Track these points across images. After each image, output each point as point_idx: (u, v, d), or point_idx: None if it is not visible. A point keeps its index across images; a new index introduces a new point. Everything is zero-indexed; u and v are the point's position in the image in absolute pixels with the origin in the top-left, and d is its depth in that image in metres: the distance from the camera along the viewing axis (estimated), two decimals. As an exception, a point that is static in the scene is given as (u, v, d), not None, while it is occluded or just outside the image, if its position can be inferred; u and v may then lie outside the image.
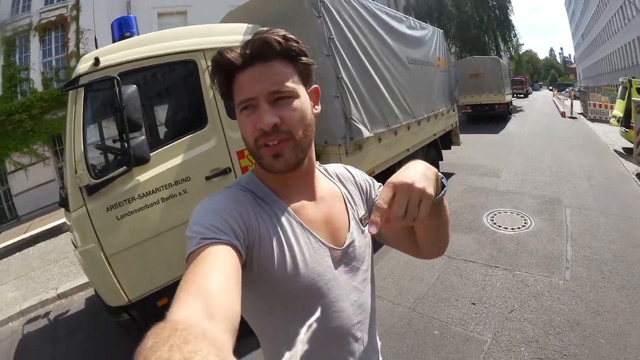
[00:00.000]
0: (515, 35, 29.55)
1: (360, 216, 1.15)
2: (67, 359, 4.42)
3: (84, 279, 5.93)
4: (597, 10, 47.23)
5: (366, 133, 4.65)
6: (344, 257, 1.07)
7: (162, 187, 3.19)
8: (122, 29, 3.64)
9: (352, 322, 1.05)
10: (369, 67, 4.99)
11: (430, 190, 0.81)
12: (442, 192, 0.97)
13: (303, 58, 0.97)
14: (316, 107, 1.06)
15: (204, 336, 0.52)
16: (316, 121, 1.04)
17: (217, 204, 0.91)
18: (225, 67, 0.93)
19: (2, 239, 10.57)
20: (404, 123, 5.88)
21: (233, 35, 3.81)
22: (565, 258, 4.72)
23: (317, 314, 0.83)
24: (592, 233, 5.34)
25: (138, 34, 3.58)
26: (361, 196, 1.21)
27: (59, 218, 9.44)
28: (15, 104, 13.95)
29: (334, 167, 1.24)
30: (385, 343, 3.60)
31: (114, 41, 3.50)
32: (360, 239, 1.12)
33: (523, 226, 5.85)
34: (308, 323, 0.80)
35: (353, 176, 1.24)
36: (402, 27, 6.31)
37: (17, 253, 9.24)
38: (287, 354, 0.51)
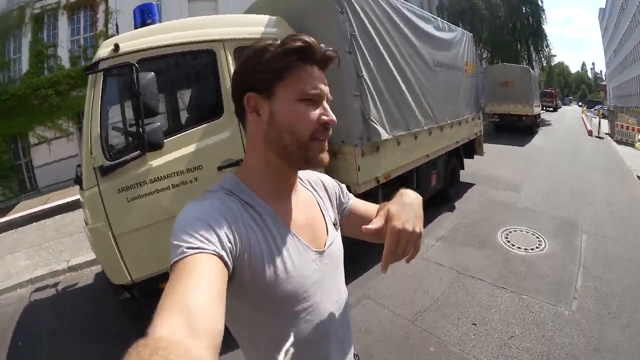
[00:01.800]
0: (547, 46, 29.02)
1: (332, 220, 1.20)
2: (70, 330, 4.50)
3: (96, 255, 6.04)
4: (630, 26, 45.51)
5: (384, 135, 4.60)
6: (326, 259, 1.08)
7: (173, 173, 3.25)
8: (144, 15, 3.69)
9: (333, 321, 1.08)
10: (391, 66, 4.90)
11: (422, 228, 1.01)
12: None
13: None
14: None
15: (186, 355, 0.52)
16: None
17: (204, 211, 0.89)
18: (307, 53, 0.96)
19: (20, 208, 10.87)
20: (425, 127, 5.77)
21: (254, 26, 3.82)
22: (575, 287, 4.57)
23: (288, 341, 0.94)
24: (605, 263, 5.16)
25: (160, 21, 3.62)
26: (330, 201, 1.26)
27: (77, 193, 9.57)
28: (41, 79, 14.25)
29: (306, 174, 1.25)
30: (379, 353, 3.58)
31: (135, 27, 3.57)
32: (336, 241, 1.17)
33: (537, 247, 5.70)
34: (285, 349, 0.90)
35: (322, 182, 1.28)
36: (429, 28, 6.18)
37: (34, 223, 9.45)
38: None
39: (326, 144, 1.02)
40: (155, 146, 3.10)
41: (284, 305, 0.96)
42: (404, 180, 5.70)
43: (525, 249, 5.63)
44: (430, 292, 4.57)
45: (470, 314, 4.08)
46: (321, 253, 1.07)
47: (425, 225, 3.91)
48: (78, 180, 3.26)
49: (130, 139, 3.24)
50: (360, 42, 4.30)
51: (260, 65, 0.95)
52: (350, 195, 1.36)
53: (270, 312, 0.96)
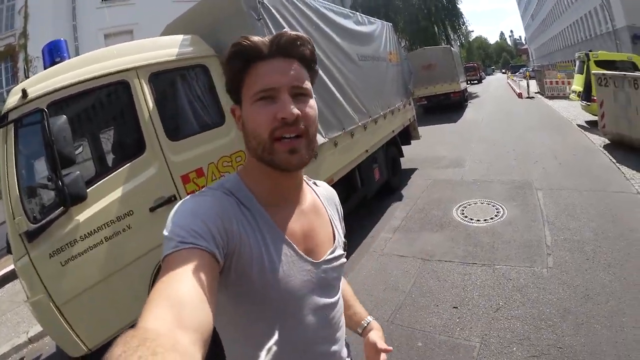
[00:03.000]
0: (464, 23, 30.11)
1: (342, 239, 1.20)
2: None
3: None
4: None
5: (320, 139, 4.42)
6: (322, 272, 1.05)
7: (103, 225, 2.94)
8: (53, 54, 3.41)
9: (320, 336, 1.06)
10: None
11: None
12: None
13: (315, 65, 1.04)
14: None
15: (174, 348, 0.52)
16: None
17: (199, 207, 0.88)
18: (249, 53, 0.91)
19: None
20: (359, 123, 5.70)
21: (168, 48, 3.59)
22: (545, 244, 4.62)
23: (276, 337, 0.95)
24: (569, 213, 5.28)
25: (69, 58, 3.31)
26: (338, 218, 1.25)
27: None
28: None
29: (323, 187, 1.27)
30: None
31: (45, 68, 3.25)
32: (339, 259, 1.13)
33: (496, 216, 5.74)
34: (267, 347, 0.93)
35: (335, 204, 1.28)
36: (349, 24, 6.13)
37: (-15, 296, 8.77)
38: None
39: (300, 141, 0.93)
40: (78, 198, 2.76)
41: (265, 309, 0.94)
42: (348, 180, 5.62)
43: (485, 220, 5.68)
44: (400, 286, 4.41)
45: (447, 299, 3.99)
46: (317, 264, 1.04)
47: (377, 220, 4.56)
48: (9, 249, 2.89)
49: (52, 194, 2.90)
50: None
51: (226, 77, 0.96)
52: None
53: (253, 317, 0.95)
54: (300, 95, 0.94)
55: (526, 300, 3.67)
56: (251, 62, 0.92)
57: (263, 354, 0.93)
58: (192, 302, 0.66)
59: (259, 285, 0.91)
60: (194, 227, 0.80)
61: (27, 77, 14.18)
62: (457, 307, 3.81)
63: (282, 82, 0.91)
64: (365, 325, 1.36)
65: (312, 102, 0.98)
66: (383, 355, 1.23)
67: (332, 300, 1.10)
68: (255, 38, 0.91)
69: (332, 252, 1.10)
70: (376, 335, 1.29)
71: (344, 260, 1.17)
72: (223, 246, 0.83)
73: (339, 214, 1.27)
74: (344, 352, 1.18)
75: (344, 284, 1.35)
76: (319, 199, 1.18)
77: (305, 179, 1.18)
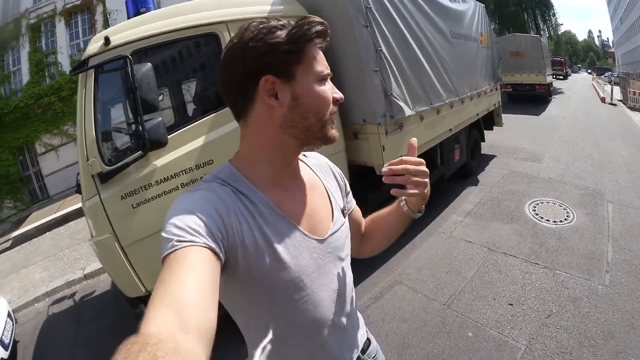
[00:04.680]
0: (554, 15, 28.60)
1: (341, 207, 1.19)
2: (91, 342, 4.41)
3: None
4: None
5: (408, 111, 4.38)
6: (327, 247, 1.07)
7: (181, 172, 3.00)
8: (137, 4, 3.47)
9: (332, 309, 1.07)
10: (410, 39, 4.64)
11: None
12: (421, 213, 1.24)
13: None
14: None
15: (176, 351, 0.53)
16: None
17: (195, 203, 0.87)
18: (325, 36, 0.96)
19: (33, 219, 10.84)
20: (447, 101, 5.55)
21: (260, 5, 3.58)
22: (606, 260, 4.38)
23: (283, 329, 0.98)
24: (633, 234, 4.96)
25: (155, 9, 3.36)
26: (340, 189, 1.25)
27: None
28: (43, 87, 14.24)
29: (312, 159, 1.24)
30: (416, 342, 3.43)
31: (128, 18, 3.31)
32: (341, 228, 1.15)
33: (565, 220, 5.50)
34: (262, 345, 0.96)
35: (331, 168, 1.28)
36: (444, 0, 5.91)
37: (48, 233, 9.45)
38: None
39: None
40: (158, 144, 2.82)
41: (279, 294, 0.96)
42: (428, 157, 5.52)
43: (554, 222, 5.45)
44: (463, 272, 4.41)
45: (505, 294, 3.93)
46: (322, 241, 1.06)
47: (450, 201, 4.58)
48: (79, 189, 3.00)
49: (130, 139, 3.00)
50: (377, 14, 4.03)
51: (281, 47, 0.90)
52: (351, 196, 1.35)
53: (265, 302, 0.96)
54: None
55: (577, 313, 3.53)
56: (309, 43, 0.93)
57: (264, 341, 0.97)
58: (193, 302, 0.66)
59: (268, 271, 0.92)
60: (190, 224, 0.79)
61: (105, 29, 14.77)
62: (512, 305, 3.74)
63: (329, 70, 0.98)
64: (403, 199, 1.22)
65: None
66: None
67: (340, 273, 1.11)
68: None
69: (334, 225, 1.11)
70: None
71: (346, 230, 1.18)
72: (222, 240, 0.83)
73: (339, 182, 1.27)
74: (356, 324, 1.22)
75: (367, 223, 1.40)
76: (312, 171, 1.18)
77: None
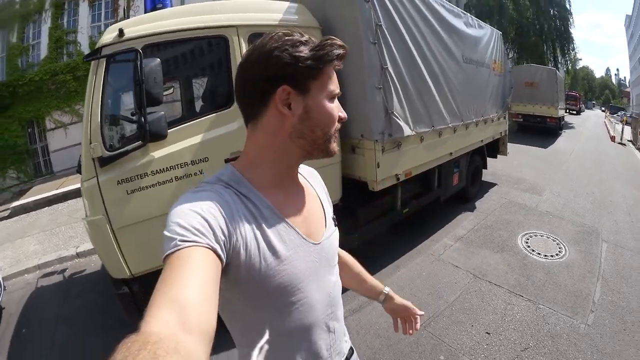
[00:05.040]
0: (573, 49, 28.45)
1: (331, 214, 1.24)
2: (74, 317, 4.50)
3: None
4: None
5: (407, 131, 4.43)
6: (322, 252, 1.10)
7: (177, 165, 3.10)
8: (155, 0, 3.54)
9: (326, 313, 1.11)
10: (418, 60, 4.71)
11: None
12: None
13: None
14: None
15: (176, 350, 0.53)
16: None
17: (199, 203, 0.87)
18: (342, 59, 1.01)
19: (34, 192, 10.91)
20: (450, 125, 5.60)
21: (273, 13, 3.66)
22: (592, 299, 4.38)
23: (279, 332, 0.99)
24: (624, 276, 4.96)
25: (171, 6, 3.47)
26: (327, 196, 1.30)
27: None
28: (60, 65, 14.37)
29: (302, 168, 1.25)
30: (388, 359, 3.46)
31: (145, 12, 3.42)
32: (333, 235, 1.19)
33: (557, 254, 5.51)
34: (259, 346, 0.96)
35: (316, 175, 1.32)
36: (459, 23, 5.97)
37: (47, 207, 9.50)
38: None
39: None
40: (158, 136, 2.93)
41: (278, 296, 0.97)
42: (425, 178, 5.57)
43: (545, 256, 5.46)
44: (445, 295, 4.42)
45: (484, 322, 3.93)
46: (318, 245, 1.08)
47: (444, 224, 4.71)
48: (79, 170, 3.12)
49: (132, 128, 3.11)
50: (386, 32, 4.11)
51: (304, 62, 0.94)
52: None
53: (263, 304, 0.97)
54: None
55: (555, 349, 3.54)
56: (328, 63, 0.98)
57: (261, 342, 0.97)
58: (194, 302, 0.66)
59: (269, 273, 0.93)
60: (193, 224, 0.80)
61: (126, 15, 14.86)
62: (489, 333, 3.75)
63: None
64: (387, 292, 1.54)
65: None
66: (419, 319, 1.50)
67: (333, 277, 1.17)
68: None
69: (327, 230, 1.16)
70: (404, 300, 1.54)
71: (337, 231, 1.24)
72: (224, 241, 0.84)
73: (324, 190, 1.31)
74: (342, 331, 1.24)
75: (346, 256, 1.48)
76: (306, 180, 1.22)
77: None
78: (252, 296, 0.95)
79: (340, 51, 0.97)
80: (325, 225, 1.16)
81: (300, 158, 1.07)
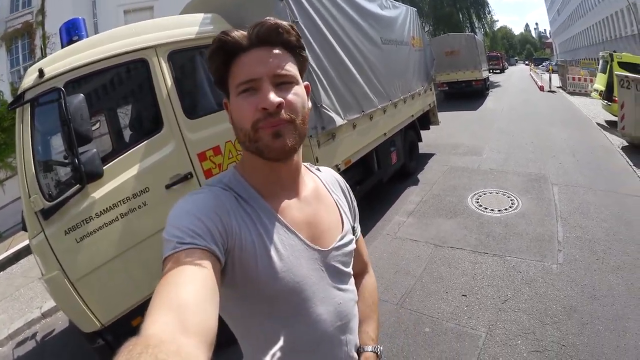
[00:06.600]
0: (489, 12, 29.63)
1: (351, 223, 1.20)
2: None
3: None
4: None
5: (339, 121, 4.48)
6: (330, 260, 1.06)
7: (119, 202, 2.96)
8: (70, 33, 3.40)
9: (335, 325, 1.05)
10: (339, 50, 4.77)
11: None
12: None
13: (303, 52, 1.00)
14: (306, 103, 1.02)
15: (177, 353, 0.52)
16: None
17: (196, 205, 0.88)
18: (229, 47, 0.91)
19: (-17, 259, 10.29)
20: (379, 106, 5.73)
21: (188, 27, 3.58)
22: (557, 240, 4.59)
23: (288, 330, 0.96)
24: (582, 211, 5.22)
25: (87, 37, 3.34)
26: (349, 206, 1.24)
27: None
28: (-17, 118, 13.46)
29: (324, 173, 1.24)
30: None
31: (62, 47, 3.26)
32: (349, 244, 1.13)
33: (510, 207, 5.73)
34: (271, 352, 0.93)
35: (338, 181, 1.27)
36: (373, 7, 6.11)
37: (1, 272, 9.00)
38: None
39: (285, 126, 0.91)
40: (95, 175, 2.79)
41: (275, 304, 0.95)
42: (364, 163, 5.64)
43: (499, 210, 5.66)
44: (412, 271, 4.47)
45: (457, 286, 4.03)
46: (325, 252, 1.04)
47: (391, 203, 4.67)
48: (24, 227, 2.94)
49: (67, 172, 2.93)
50: (304, 29, 4.13)
51: (210, 67, 0.96)
52: (358, 226, 1.32)
53: (261, 311, 0.95)
54: (283, 84, 0.92)
55: (534, 294, 3.68)
56: (234, 56, 0.92)
57: (274, 348, 0.95)
58: (194, 304, 0.66)
59: (266, 278, 0.92)
60: (191, 226, 0.81)
61: (44, 54, 14.04)
62: (466, 295, 3.84)
63: (263, 72, 0.90)
64: (365, 351, 1.18)
65: (298, 88, 0.96)
66: None
67: (343, 288, 1.10)
68: (235, 32, 0.91)
69: (342, 238, 1.11)
70: None
71: (354, 245, 1.17)
72: (223, 243, 0.84)
73: (348, 198, 1.26)
74: (354, 343, 1.16)
75: (366, 285, 1.35)
76: (323, 185, 1.17)
77: (307, 165, 1.19)
78: (251, 305, 0.95)
79: (225, 37, 0.90)
80: (342, 231, 1.12)
81: (262, 160, 0.96)
